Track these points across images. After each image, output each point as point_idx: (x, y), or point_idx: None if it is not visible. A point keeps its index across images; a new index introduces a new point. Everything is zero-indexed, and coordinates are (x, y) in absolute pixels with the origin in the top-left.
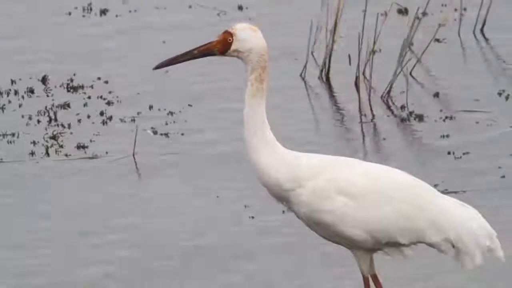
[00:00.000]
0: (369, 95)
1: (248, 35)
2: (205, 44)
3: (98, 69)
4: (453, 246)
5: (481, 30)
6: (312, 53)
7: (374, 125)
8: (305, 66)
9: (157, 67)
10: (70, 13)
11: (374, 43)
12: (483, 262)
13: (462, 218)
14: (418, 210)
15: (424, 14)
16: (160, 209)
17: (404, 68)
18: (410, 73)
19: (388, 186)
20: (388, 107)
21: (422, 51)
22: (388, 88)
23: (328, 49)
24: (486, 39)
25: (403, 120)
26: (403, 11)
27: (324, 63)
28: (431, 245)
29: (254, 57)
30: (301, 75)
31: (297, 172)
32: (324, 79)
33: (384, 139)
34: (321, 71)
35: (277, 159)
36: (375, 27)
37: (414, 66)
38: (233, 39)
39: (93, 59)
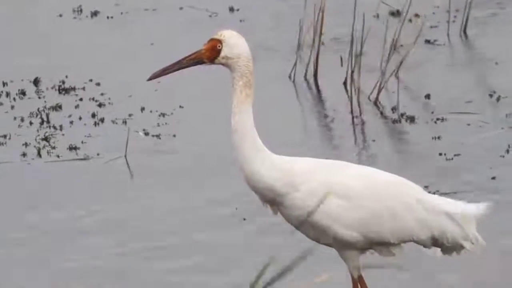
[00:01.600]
0: (358, 96)
1: (236, 41)
2: (194, 53)
3: (90, 71)
4: (439, 243)
5: (470, 32)
6: (302, 53)
7: (365, 126)
8: (294, 66)
9: (149, 79)
10: (61, 15)
11: (362, 45)
12: (473, 253)
13: (449, 214)
14: (407, 209)
15: (416, 16)
16: (152, 210)
17: (393, 69)
18: (395, 75)
19: (379, 187)
20: (379, 109)
21: (409, 52)
22: (377, 90)
23: (316, 50)
24: (478, 41)
25: (394, 121)
26: (395, 13)
27: (313, 63)
28: (418, 242)
29: (242, 62)
30: (289, 76)
31: (291, 177)
32: (313, 80)
33: (374, 140)
34: (311, 72)
35: (270, 166)
36: (364, 28)
37: (399, 67)
38: (222, 46)
39: (84, 61)
